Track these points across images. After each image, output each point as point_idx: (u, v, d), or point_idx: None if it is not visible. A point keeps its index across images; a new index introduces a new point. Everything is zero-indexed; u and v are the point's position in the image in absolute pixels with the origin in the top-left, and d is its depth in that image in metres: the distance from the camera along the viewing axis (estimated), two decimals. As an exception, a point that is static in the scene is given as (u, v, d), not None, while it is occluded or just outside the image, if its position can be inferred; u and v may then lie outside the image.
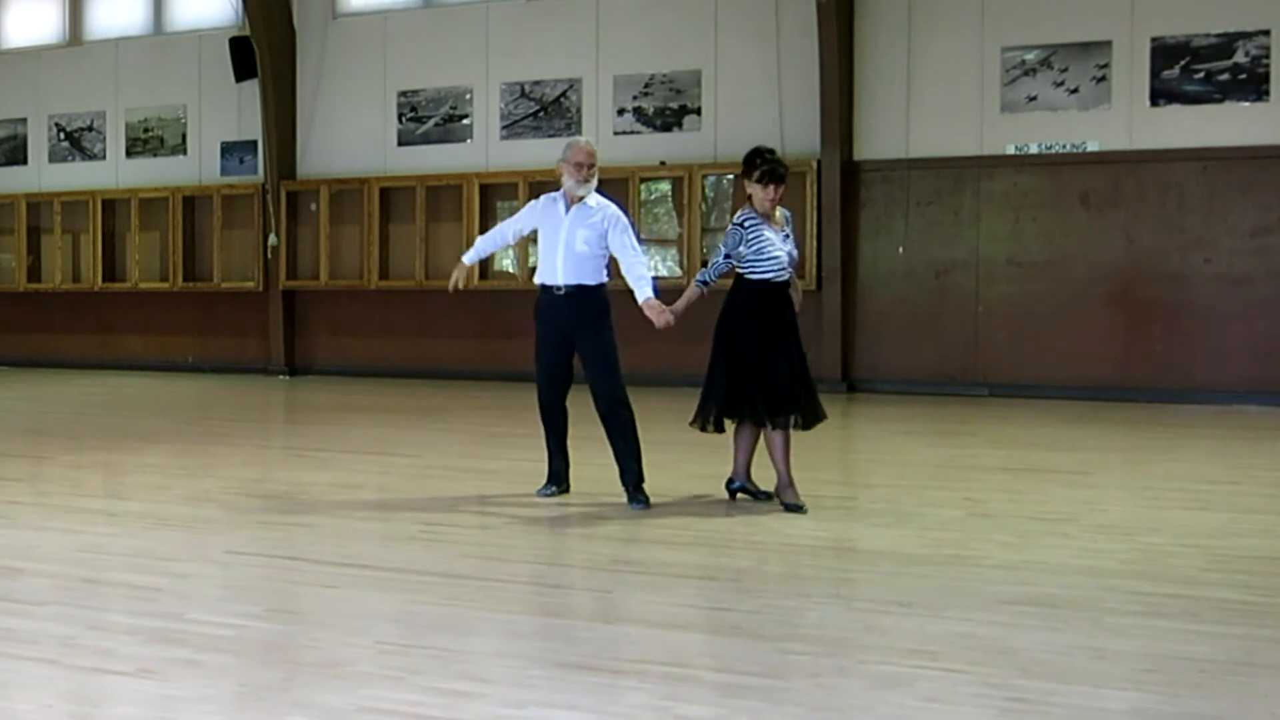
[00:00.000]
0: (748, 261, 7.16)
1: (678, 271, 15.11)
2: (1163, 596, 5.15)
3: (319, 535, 6.42)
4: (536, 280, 7.53)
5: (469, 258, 7.81)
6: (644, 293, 7.21)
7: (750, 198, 7.22)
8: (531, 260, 16.06)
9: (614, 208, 7.48)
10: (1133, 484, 8.22)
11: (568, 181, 7.34)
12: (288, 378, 17.24)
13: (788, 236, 7.28)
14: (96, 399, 14.59)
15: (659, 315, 7.14)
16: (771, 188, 7.13)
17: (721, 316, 7.28)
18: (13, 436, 11.01)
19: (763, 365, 7.10)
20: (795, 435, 7.18)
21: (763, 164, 7.13)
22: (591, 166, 7.35)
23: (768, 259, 7.13)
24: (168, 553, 5.99)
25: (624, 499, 7.22)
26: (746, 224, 7.16)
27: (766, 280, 7.15)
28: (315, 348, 17.57)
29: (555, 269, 7.35)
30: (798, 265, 7.36)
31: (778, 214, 7.27)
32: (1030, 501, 7.44)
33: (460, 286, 7.83)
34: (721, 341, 7.25)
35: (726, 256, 7.23)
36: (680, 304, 7.26)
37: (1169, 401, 13.24)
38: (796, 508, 7.03)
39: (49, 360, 18.83)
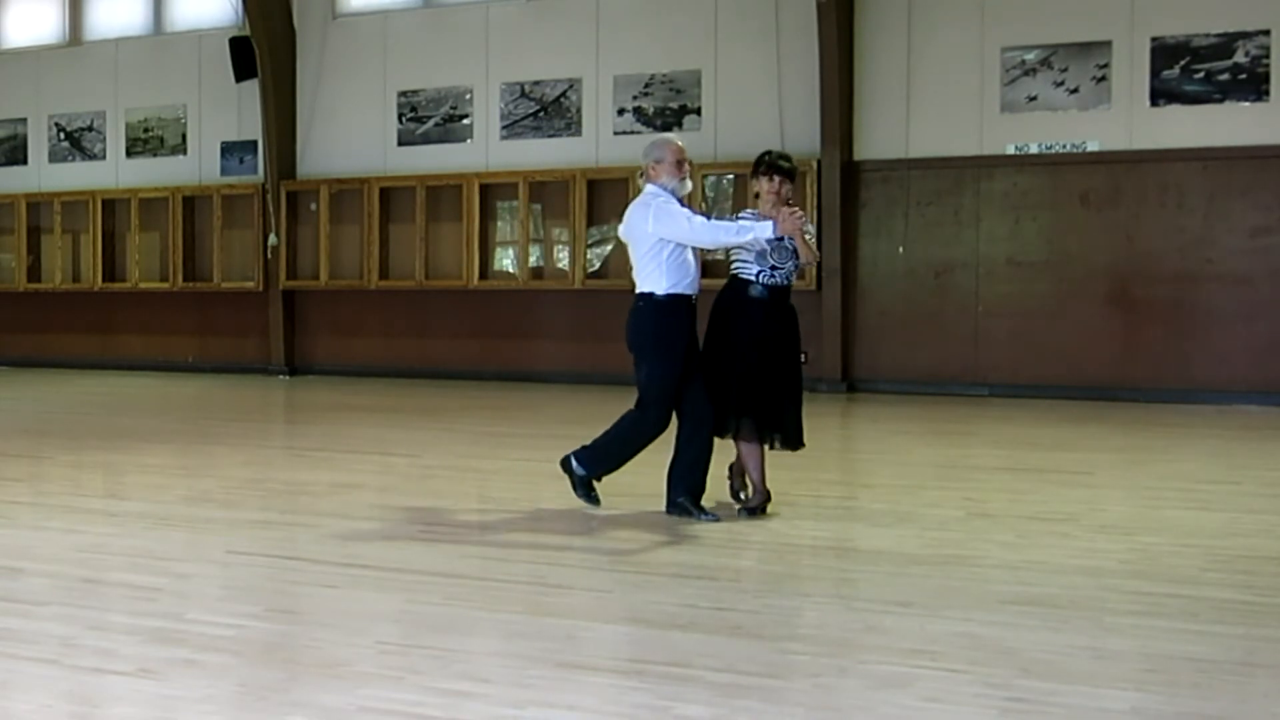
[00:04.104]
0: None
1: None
2: (1163, 596, 5.15)
3: (319, 535, 6.42)
4: (679, 291, 6.70)
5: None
6: (763, 229, 6.60)
7: (757, 197, 6.86)
8: (534, 260, 16.08)
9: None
10: (1133, 484, 8.21)
11: (672, 182, 6.74)
12: (288, 378, 17.24)
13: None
14: (96, 399, 14.58)
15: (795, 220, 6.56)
16: (768, 179, 6.78)
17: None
18: (13, 436, 11.00)
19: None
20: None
21: (767, 157, 6.82)
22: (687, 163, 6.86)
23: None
24: (168, 553, 5.99)
25: (626, 499, 7.22)
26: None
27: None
28: (315, 348, 17.57)
29: (696, 278, 6.83)
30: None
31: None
32: (1030, 501, 7.43)
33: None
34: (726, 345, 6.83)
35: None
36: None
37: (1169, 401, 13.23)
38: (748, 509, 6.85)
39: (49, 360, 18.83)
